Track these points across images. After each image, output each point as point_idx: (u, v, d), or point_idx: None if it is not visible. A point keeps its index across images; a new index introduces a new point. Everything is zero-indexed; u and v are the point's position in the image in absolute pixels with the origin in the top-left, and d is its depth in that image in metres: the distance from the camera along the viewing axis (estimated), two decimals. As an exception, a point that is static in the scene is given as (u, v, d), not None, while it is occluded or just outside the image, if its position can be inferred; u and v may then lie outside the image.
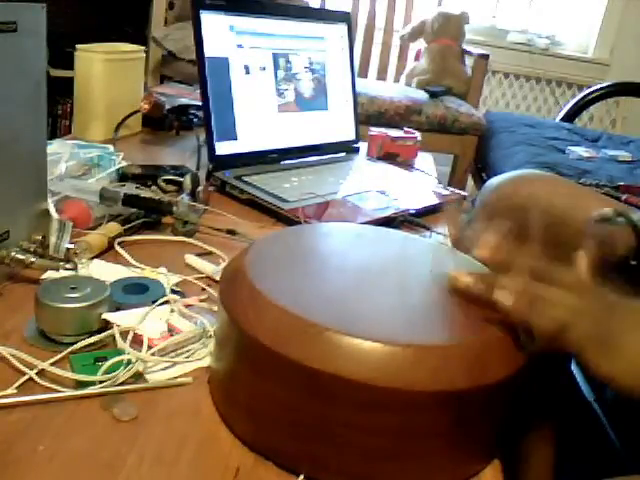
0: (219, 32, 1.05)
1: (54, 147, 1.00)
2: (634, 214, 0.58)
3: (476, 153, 2.41)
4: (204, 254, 0.78)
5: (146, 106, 1.24)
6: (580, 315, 0.46)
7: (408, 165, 1.31)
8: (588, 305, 0.46)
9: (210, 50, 1.04)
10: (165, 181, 0.98)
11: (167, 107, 1.30)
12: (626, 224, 0.55)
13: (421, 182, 1.20)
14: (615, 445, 0.74)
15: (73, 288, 0.59)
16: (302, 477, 0.46)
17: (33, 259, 0.66)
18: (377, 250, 0.61)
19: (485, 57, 2.52)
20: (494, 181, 0.75)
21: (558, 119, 2.75)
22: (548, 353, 0.50)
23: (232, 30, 1.07)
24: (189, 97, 1.45)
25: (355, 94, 1.32)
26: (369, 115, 2.23)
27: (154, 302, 0.63)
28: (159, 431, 0.49)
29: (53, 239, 0.70)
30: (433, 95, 2.39)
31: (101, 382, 0.52)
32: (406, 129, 1.39)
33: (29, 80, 0.66)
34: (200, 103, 1.05)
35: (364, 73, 2.78)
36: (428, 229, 0.97)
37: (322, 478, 0.46)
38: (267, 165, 1.11)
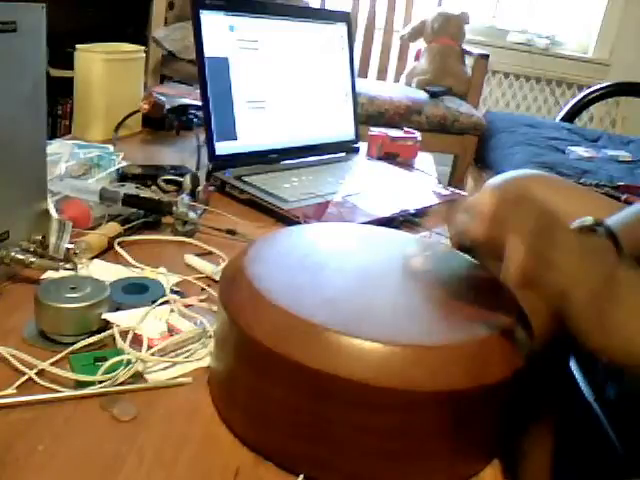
0: (219, 32, 1.05)
1: (54, 147, 1.00)
2: (613, 220, 0.56)
3: (476, 153, 2.41)
4: (204, 254, 0.78)
5: (146, 106, 1.24)
6: (578, 283, 0.44)
7: (408, 165, 1.31)
8: (588, 271, 0.45)
9: (210, 50, 1.03)
10: (165, 181, 0.98)
11: (167, 107, 1.30)
12: (606, 234, 0.53)
13: (421, 182, 1.20)
14: (615, 445, 0.74)
15: (73, 288, 0.59)
16: (302, 477, 0.46)
17: (33, 259, 0.66)
18: (377, 250, 0.61)
19: (485, 57, 2.52)
20: (492, 182, 0.75)
21: (558, 119, 2.75)
22: (549, 347, 0.49)
23: (232, 30, 1.07)
24: (189, 97, 1.44)
25: (355, 94, 1.31)
26: (369, 115, 2.23)
27: (154, 302, 0.63)
28: (159, 431, 0.49)
29: (53, 239, 0.70)
30: (433, 95, 2.39)
31: (101, 382, 0.52)
32: (406, 129, 1.39)
33: (29, 80, 0.66)
34: (200, 103, 1.05)
35: (364, 73, 2.77)
36: (428, 229, 0.97)
37: (322, 478, 0.46)
38: (267, 165, 1.11)
